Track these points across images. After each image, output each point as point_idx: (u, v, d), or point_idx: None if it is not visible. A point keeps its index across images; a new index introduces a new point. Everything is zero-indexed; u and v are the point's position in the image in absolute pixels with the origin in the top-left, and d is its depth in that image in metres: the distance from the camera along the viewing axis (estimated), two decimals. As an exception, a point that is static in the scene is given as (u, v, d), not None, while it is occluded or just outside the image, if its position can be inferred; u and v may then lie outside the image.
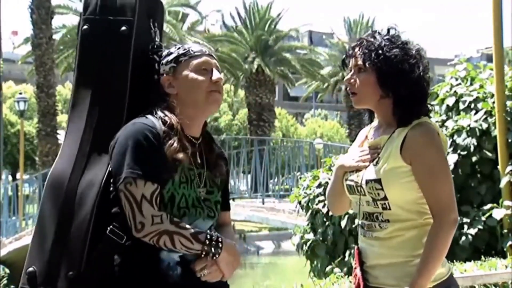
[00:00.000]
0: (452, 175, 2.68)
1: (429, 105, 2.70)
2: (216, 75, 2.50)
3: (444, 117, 7.60)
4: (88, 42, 2.53)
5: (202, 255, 2.34)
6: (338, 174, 2.79)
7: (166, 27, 27.99)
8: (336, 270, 7.68)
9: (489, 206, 6.92)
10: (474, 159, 7.21)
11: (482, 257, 6.09)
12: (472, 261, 5.90)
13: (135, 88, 2.50)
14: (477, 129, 7.17)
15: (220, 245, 2.35)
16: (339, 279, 5.25)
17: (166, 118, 2.41)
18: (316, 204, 8.37)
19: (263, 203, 17.33)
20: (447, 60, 11.79)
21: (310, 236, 8.46)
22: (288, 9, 69.94)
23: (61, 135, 26.26)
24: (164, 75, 2.49)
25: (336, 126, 47.90)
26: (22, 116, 25.54)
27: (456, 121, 7.34)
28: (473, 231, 6.88)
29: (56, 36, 28.98)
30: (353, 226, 7.80)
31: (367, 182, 2.63)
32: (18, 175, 31.15)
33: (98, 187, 2.37)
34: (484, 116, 7.20)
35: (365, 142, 2.78)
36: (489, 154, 7.11)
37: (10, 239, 19.38)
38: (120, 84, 2.48)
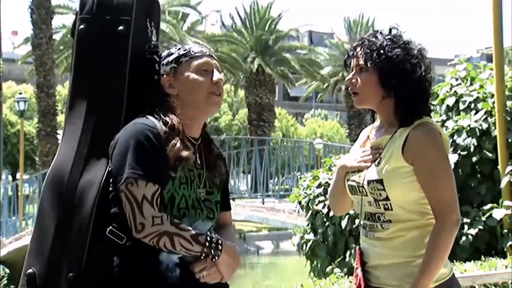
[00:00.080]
0: (452, 175, 2.68)
1: (431, 105, 2.69)
2: (216, 76, 2.49)
3: (444, 117, 7.60)
4: (84, 42, 2.50)
5: (202, 257, 2.33)
6: (340, 174, 2.78)
7: (166, 27, 27.98)
8: (336, 270, 7.67)
9: (489, 206, 6.92)
10: (474, 159, 7.20)
11: (482, 257, 6.09)
12: (472, 261, 5.90)
13: (133, 88, 2.48)
14: (477, 129, 7.16)
15: (220, 247, 2.34)
16: (339, 279, 5.25)
17: (167, 119, 2.40)
18: (316, 205, 8.37)
19: (263, 203, 17.32)
20: (447, 60, 11.79)
21: (310, 236, 8.45)
22: (288, 9, 69.94)
23: (61, 135, 26.23)
24: (165, 75, 2.48)
25: (336, 126, 47.89)
26: (22, 116, 25.53)
27: (456, 121, 7.34)
28: (473, 231, 6.88)
29: (56, 36, 29.01)
30: (354, 226, 7.81)
31: (369, 182, 2.63)
32: (18, 175, 31.14)
33: (98, 187, 2.35)
34: (484, 116, 7.20)
35: (367, 142, 2.78)
36: (489, 154, 7.11)
37: (10, 239, 19.38)
38: (118, 85, 2.45)
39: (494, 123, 7.00)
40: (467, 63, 7.96)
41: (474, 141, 7.16)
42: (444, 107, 7.61)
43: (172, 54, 2.51)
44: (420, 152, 2.56)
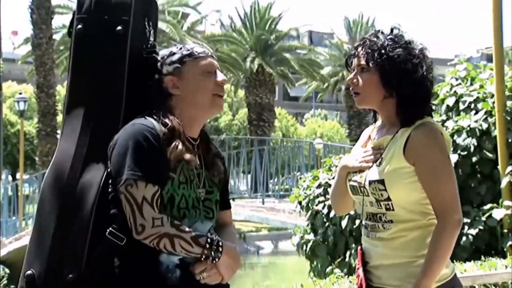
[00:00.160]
0: (453, 175, 2.67)
1: (432, 105, 2.69)
2: (221, 76, 2.48)
3: (444, 117, 7.60)
4: (82, 42, 2.48)
5: (202, 259, 2.33)
6: (341, 174, 2.78)
7: (166, 27, 27.99)
8: (336, 270, 7.67)
9: (489, 206, 6.92)
10: (474, 159, 7.21)
11: (482, 257, 6.09)
12: (472, 261, 5.89)
13: (132, 89, 2.46)
14: (477, 129, 7.16)
15: (220, 249, 2.33)
16: (339, 279, 5.25)
17: (167, 120, 2.38)
18: (316, 205, 8.37)
19: (263, 203, 17.33)
20: (447, 60, 11.77)
21: (311, 236, 8.45)
22: (288, 9, 69.93)
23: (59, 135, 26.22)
24: (168, 75, 2.46)
25: (336, 126, 47.88)
26: (22, 116, 25.52)
27: (456, 121, 7.34)
28: (473, 231, 6.88)
29: (56, 36, 29.01)
30: (354, 226, 7.81)
31: (370, 182, 2.62)
32: (18, 175, 31.15)
33: (97, 188, 2.34)
34: (484, 116, 7.20)
35: (369, 142, 2.77)
36: (489, 154, 7.11)
37: (10, 239, 19.38)
38: (117, 85, 2.43)
39: (494, 123, 7.00)
40: (467, 63, 7.96)
41: (474, 141, 7.16)
42: (444, 107, 7.61)
43: (174, 54, 2.48)
44: (422, 152, 2.56)
